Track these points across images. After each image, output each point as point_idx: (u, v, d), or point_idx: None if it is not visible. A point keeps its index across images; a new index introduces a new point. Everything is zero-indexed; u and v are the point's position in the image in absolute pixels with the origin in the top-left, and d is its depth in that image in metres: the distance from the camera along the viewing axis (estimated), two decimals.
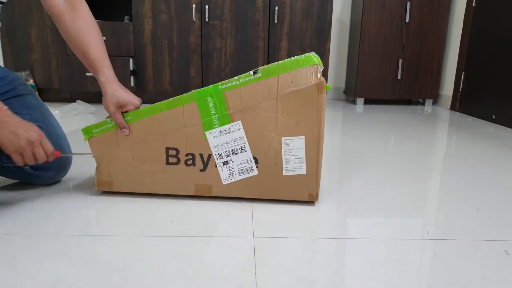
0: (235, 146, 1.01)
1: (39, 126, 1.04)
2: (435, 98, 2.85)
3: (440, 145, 1.80)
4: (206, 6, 2.49)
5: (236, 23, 2.54)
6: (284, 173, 1.04)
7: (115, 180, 1.05)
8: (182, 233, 0.87)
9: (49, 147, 0.93)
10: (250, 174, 1.04)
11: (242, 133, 1.01)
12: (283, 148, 1.02)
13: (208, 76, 2.60)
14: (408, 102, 2.99)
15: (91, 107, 2.34)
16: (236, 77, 0.99)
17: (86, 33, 1.01)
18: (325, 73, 2.65)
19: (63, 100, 2.67)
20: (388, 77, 2.78)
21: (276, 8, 2.52)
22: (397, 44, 2.73)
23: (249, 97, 0.99)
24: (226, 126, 1.00)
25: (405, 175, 1.33)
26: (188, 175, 1.04)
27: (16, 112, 1.02)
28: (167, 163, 1.03)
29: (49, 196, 1.07)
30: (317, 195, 1.05)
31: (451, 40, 2.74)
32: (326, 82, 2.47)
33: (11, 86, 1.05)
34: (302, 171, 1.03)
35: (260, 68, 0.99)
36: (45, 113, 1.09)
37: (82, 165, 1.33)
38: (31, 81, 2.58)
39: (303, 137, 1.01)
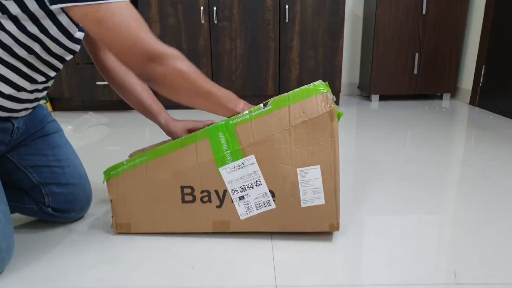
0: (250, 180, 0.98)
1: (62, 166, 1.05)
2: (453, 92, 2.76)
3: (460, 151, 1.73)
4: (214, 8, 2.43)
5: (246, 23, 2.47)
6: (303, 205, 1.01)
7: (132, 221, 1.03)
8: (203, 283, 0.85)
9: None
10: (268, 208, 1.01)
11: (256, 167, 0.97)
12: (299, 179, 0.99)
13: (219, 79, 2.56)
14: (425, 96, 2.90)
15: (104, 118, 2.33)
16: (246, 111, 0.96)
17: (138, 84, 1.12)
18: (338, 70, 2.58)
19: (75, 109, 2.66)
20: (404, 72, 2.70)
21: (287, 6, 2.44)
22: (413, 37, 2.64)
23: (261, 130, 0.95)
24: (240, 161, 0.97)
25: (425, 193, 1.28)
26: (205, 212, 1.01)
27: (40, 152, 1.04)
28: (183, 201, 1.00)
29: (67, 241, 1.06)
30: (338, 224, 1.02)
31: (470, 32, 2.64)
32: (340, 80, 2.42)
33: (40, 126, 1.07)
34: (321, 201, 1.00)
35: (270, 100, 0.96)
36: (68, 153, 1.11)
37: (99, 201, 1.31)
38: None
39: (319, 166, 0.98)
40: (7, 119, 0.94)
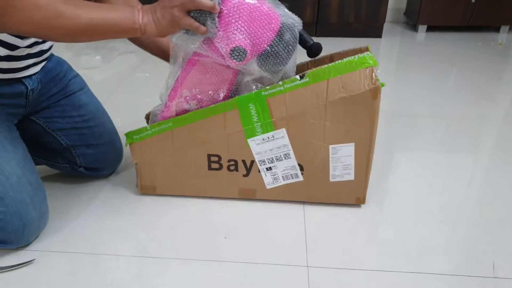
0: (279, 153, 0.96)
1: (90, 126, 1.04)
2: None
3: None
4: None
5: None
6: (331, 179, 0.99)
7: (158, 184, 1.04)
8: (235, 255, 0.88)
9: None
10: (295, 180, 1.00)
11: (286, 140, 0.94)
12: (330, 156, 0.96)
13: None
14: (479, 28, 2.63)
15: (130, 46, 2.26)
16: (280, 82, 0.89)
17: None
18: None
19: None
20: (460, 0, 2.43)
21: None
22: None
23: (295, 104, 0.90)
24: (269, 134, 0.94)
25: (464, 162, 1.22)
26: (231, 180, 1.01)
27: (67, 114, 1.03)
28: (209, 168, 1.00)
29: (101, 198, 1.10)
30: (364, 198, 1.02)
31: None
32: (386, 8, 2.21)
33: (62, 85, 1.04)
34: (350, 177, 0.98)
35: (308, 71, 0.89)
36: (95, 110, 1.09)
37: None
38: None
39: (353, 144, 0.94)
40: (18, 80, 0.91)
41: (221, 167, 1.00)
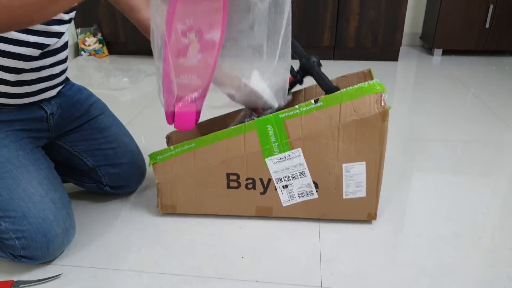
0: (295, 171, 1.00)
1: (113, 147, 1.10)
2: None
3: None
4: None
5: None
6: (344, 197, 1.03)
7: (178, 203, 1.09)
8: (252, 275, 0.91)
9: None
10: (310, 198, 1.04)
11: (302, 159, 0.99)
12: (344, 173, 1.00)
13: None
14: (494, 53, 2.65)
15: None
16: (297, 106, 0.95)
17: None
18: (400, 22, 2.40)
19: (130, 53, 2.71)
20: (474, 25, 2.46)
21: None
22: None
23: (310, 126, 0.96)
24: (286, 153, 0.99)
25: (477, 188, 1.24)
26: (249, 198, 1.06)
27: (91, 137, 1.09)
28: (228, 187, 1.04)
29: (123, 216, 1.15)
30: (375, 214, 1.06)
31: None
32: (402, 33, 2.25)
33: (83, 110, 1.10)
34: (362, 194, 1.02)
35: (322, 97, 0.95)
36: (117, 132, 1.15)
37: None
38: (99, 35, 2.63)
39: (364, 163, 0.99)
40: (37, 105, 0.98)
41: (239, 185, 1.04)
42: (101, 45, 2.64)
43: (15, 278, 0.90)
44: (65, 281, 0.90)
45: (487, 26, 2.44)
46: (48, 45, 0.92)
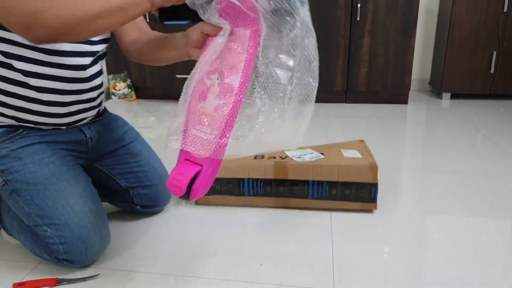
0: (307, 153, 1.34)
1: (145, 171, 1.23)
2: None
3: None
4: None
5: (317, 21, 2.54)
6: (345, 155, 1.35)
7: None
8: (270, 281, 1.01)
9: None
10: (318, 157, 1.34)
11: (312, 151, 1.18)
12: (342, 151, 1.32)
13: None
14: (502, 96, 2.78)
15: None
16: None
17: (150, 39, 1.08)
18: (408, 69, 2.57)
19: (155, 98, 2.92)
20: (479, 71, 2.61)
21: (359, 5, 2.47)
22: (492, 34, 2.53)
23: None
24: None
25: (487, 218, 1.32)
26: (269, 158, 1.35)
27: (124, 161, 1.22)
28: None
29: (152, 230, 1.27)
30: (376, 164, 1.30)
31: None
32: (410, 78, 2.42)
33: (118, 137, 1.25)
34: (358, 155, 1.33)
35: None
36: (148, 157, 1.28)
37: None
38: (128, 81, 2.86)
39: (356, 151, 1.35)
40: (79, 129, 1.12)
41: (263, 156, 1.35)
42: (130, 90, 2.87)
43: (59, 277, 1.01)
44: (102, 280, 1.01)
45: (492, 71, 2.59)
46: (86, 65, 1.05)
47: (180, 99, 0.84)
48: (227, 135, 0.78)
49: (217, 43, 0.81)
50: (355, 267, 1.04)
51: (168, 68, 2.71)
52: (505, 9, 2.46)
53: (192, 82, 0.82)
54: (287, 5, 0.76)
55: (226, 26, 0.81)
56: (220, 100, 0.79)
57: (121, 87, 2.85)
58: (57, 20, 0.76)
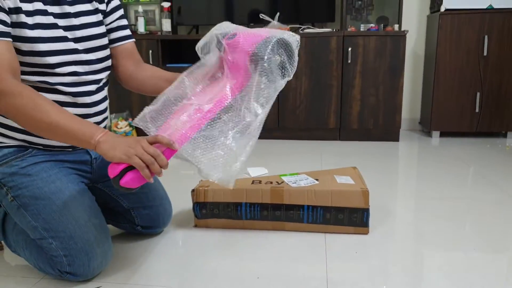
0: (302, 179, 1.35)
1: (145, 192, 1.29)
2: None
3: None
4: None
5: (311, 64, 2.69)
6: (338, 181, 1.40)
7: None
8: None
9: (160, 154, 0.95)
10: (313, 183, 1.37)
11: (308, 177, 1.23)
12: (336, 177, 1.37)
13: (284, 113, 2.78)
14: (488, 134, 2.89)
15: None
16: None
17: (156, 76, 1.24)
18: (398, 107, 2.69)
19: None
20: (465, 110, 2.74)
21: (350, 49, 2.63)
22: (475, 76, 2.69)
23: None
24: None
25: (480, 240, 1.37)
26: (266, 187, 1.39)
27: None
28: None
29: (154, 250, 1.31)
30: (367, 190, 1.35)
31: None
32: (400, 116, 2.53)
33: None
34: (351, 182, 1.41)
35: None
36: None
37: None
38: (130, 120, 2.97)
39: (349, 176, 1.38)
40: (85, 151, 1.20)
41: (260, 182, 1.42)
42: (131, 128, 2.96)
43: None
44: None
45: (477, 110, 2.71)
46: (92, 91, 1.14)
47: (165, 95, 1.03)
48: (180, 145, 0.97)
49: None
50: (349, 285, 1.07)
51: None
52: (485, 53, 2.63)
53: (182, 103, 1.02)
54: (279, 71, 1.00)
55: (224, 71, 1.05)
56: (188, 118, 0.99)
57: (123, 125, 2.94)
58: (13, 110, 0.96)
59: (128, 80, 1.27)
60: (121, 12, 1.26)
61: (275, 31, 1.02)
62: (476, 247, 1.26)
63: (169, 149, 0.95)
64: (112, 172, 0.93)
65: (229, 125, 1.00)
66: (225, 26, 1.06)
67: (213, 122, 1.00)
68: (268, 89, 1.00)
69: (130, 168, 0.93)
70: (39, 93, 1.00)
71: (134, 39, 1.31)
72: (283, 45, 0.99)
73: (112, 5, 1.23)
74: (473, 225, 1.43)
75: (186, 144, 0.98)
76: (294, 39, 1.01)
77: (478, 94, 2.70)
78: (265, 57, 0.98)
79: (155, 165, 0.93)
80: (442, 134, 2.89)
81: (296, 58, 1.03)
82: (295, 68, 1.03)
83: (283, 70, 1.01)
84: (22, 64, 1.04)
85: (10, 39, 1.00)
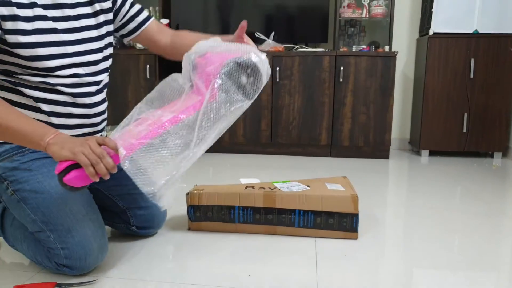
0: (294, 185, 1.35)
1: (140, 193, 1.31)
2: (505, 151, 2.83)
3: (508, 208, 1.84)
4: (277, 68, 2.77)
5: (304, 82, 2.78)
6: (329, 188, 1.43)
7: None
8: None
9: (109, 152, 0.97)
10: (304, 189, 1.42)
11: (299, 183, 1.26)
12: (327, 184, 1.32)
13: (277, 129, 2.85)
14: (476, 154, 2.97)
15: None
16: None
17: (190, 39, 1.29)
18: (388, 125, 2.77)
19: None
20: (453, 130, 2.82)
21: (342, 68, 2.73)
22: (462, 98, 2.79)
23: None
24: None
25: (465, 237, 1.42)
26: (259, 191, 1.42)
27: (122, 183, 1.30)
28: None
29: (146, 250, 1.34)
30: (356, 195, 1.39)
31: None
32: (390, 134, 2.60)
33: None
34: (342, 188, 1.46)
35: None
36: None
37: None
38: None
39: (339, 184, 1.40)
40: None
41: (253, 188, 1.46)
42: None
43: (58, 282, 1.06)
44: (98, 286, 1.06)
45: (464, 130, 2.80)
46: (92, 93, 1.19)
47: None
48: (129, 152, 0.98)
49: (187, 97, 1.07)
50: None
51: None
52: (471, 75, 2.74)
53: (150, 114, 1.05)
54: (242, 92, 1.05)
55: (191, 84, 1.07)
56: (145, 128, 1.01)
57: None
58: None
59: (169, 53, 1.36)
60: (129, 2, 1.31)
61: (247, 50, 1.03)
62: (462, 253, 1.30)
63: (116, 154, 0.96)
64: (58, 168, 0.94)
65: (176, 141, 1.02)
66: (201, 45, 1.09)
67: (168, 135, 1.02)
68: (222, 108, 1.02)
69: (76, 166, 0.94)
70: None
71: (153, 18, 1.38)
72: (246, 66, 1.02)
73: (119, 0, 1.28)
74: (460, 234, 1.47)
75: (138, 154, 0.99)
76: (262, 61, 1.03)
77: (466, 114, 2.79)
78: (221, 76, 1.01)
79: (100, 165, 0.93)
80: (431, 153, 2.96)
81: (262, 80, 1.04)
82: (258, 90, 1.04)
83: (243, 91, 1.03)
84: (23, 67, 1.08)
85: None
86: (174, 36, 1.37)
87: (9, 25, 1.03)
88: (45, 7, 1.10)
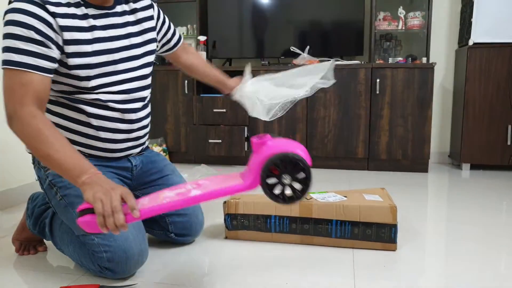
0: (331, 196, 1.39)
1: None
2: None
3: None
4: None
5: (340, 94, 2.77)
6: (366, 198, 1.42)
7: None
8: None
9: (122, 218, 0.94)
10: (341, 199, 1.42)
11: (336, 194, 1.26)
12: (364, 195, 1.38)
13: (312, 142, 2.84)
14: None
15: (213, 170, 2.73)
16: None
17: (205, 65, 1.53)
18: (427, 138, 2.71)
19: (188, 162, 3.12)
20: (496, 143, 2.72)
21: (378, 80, 2.71)
22: (505, 110, 2.69)
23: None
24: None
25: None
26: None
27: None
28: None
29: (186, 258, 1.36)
30: (395, 206, 1.40)
31: None
32: (429, 147, 2.54)
33: (159, 168, 1.41)
34: (379, 199, 1.44)
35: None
36: None
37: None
38: (164, 146, 3.09)
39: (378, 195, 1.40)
40: (127, 159, 1.30)
41: None
42: (165, 154, 3.08)
43: (101, 284, 1.11)
44: None
45: (508, 143, 2.69)
46: (138, 109, 1.26)
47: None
48: (143, 216, 0.96)
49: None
50: None
51: (202, 134, 2.94)
52: None
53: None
54: None
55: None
56: (171, 195, 0.99)
57: (157, 151, 3.07)
58: (19, 134, 1.02)
59: (186, 68, 1.53)
60: (167, 23, 1.42)
61: (302, 150, 0.96)
62: (510, 270, 1.25)
63: (131, 214, 0.94)
64: (79, 207, 0.95)
65: None
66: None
67: None
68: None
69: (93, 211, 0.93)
70: (52, 125, 1.04)
71: (182, 37, 1.52)
72: (294, 162, 0.93)
73: (160, 20, 1.38)
74: (507, 250, 1.41)
75: None
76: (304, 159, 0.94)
77: (510, 126, 2.68)
78: (264, 171, 0.93)
79: (110, 219, 0.91)
80: (473, 167, 2.86)
81: (310, 181, 0.96)
82: (308, 188, 0.96)
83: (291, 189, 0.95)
84: (78, 87, 1.15)
85: (51, 76, 1.08)
86: (188, 55, 1.53)
87: (71, 48, 1.11)
88: (104, 28, 1.18)
